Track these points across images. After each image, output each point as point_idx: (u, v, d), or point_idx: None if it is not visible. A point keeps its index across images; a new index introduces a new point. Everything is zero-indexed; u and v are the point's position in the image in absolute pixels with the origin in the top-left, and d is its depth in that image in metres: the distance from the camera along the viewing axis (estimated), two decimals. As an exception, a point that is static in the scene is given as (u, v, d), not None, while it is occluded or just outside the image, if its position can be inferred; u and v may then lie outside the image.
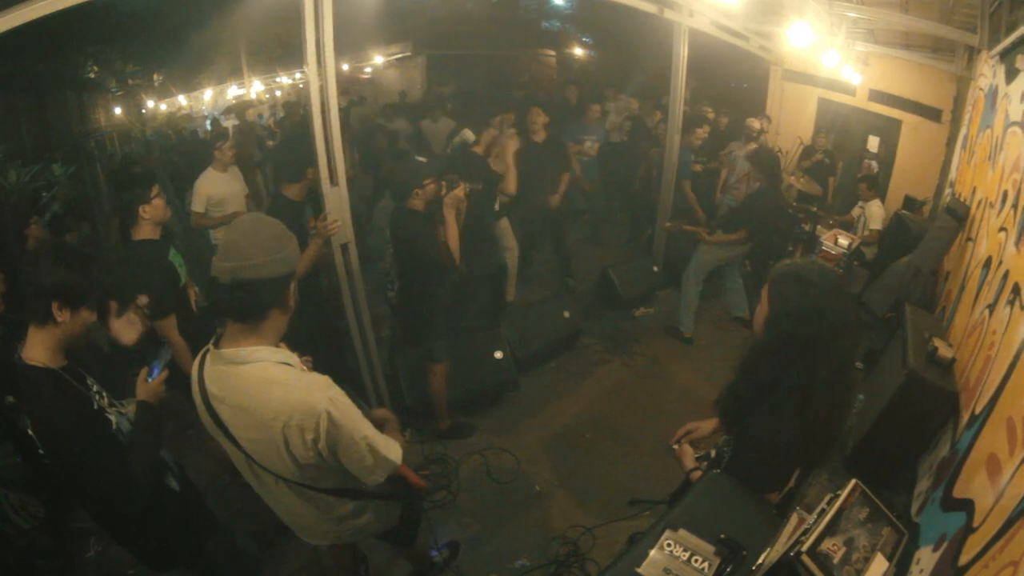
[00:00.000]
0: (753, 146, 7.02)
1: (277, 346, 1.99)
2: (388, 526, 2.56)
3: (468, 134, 5.82)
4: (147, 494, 2.34)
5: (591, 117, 8.06)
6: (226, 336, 1.93)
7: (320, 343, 4.11)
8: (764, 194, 5.51)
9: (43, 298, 2.15)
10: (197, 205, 5.72)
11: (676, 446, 2.53)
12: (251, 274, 1.78)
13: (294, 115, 10.29)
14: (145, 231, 3.50)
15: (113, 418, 2.37)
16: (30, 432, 2.19)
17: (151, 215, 3.47)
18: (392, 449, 2.08)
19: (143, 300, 2.57)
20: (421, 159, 3.87)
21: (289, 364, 1.94)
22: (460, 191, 3.90)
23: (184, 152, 11.11)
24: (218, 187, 5.78)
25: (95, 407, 2.31)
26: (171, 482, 2.66)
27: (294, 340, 2.23)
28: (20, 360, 2.19)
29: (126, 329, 2.48)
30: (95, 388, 2.38)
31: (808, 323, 1.93)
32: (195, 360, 2.04)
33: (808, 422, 1.95)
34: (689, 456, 2.45)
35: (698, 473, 2.32)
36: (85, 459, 2.18)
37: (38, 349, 2.18)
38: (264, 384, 1.87)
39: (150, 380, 2.41)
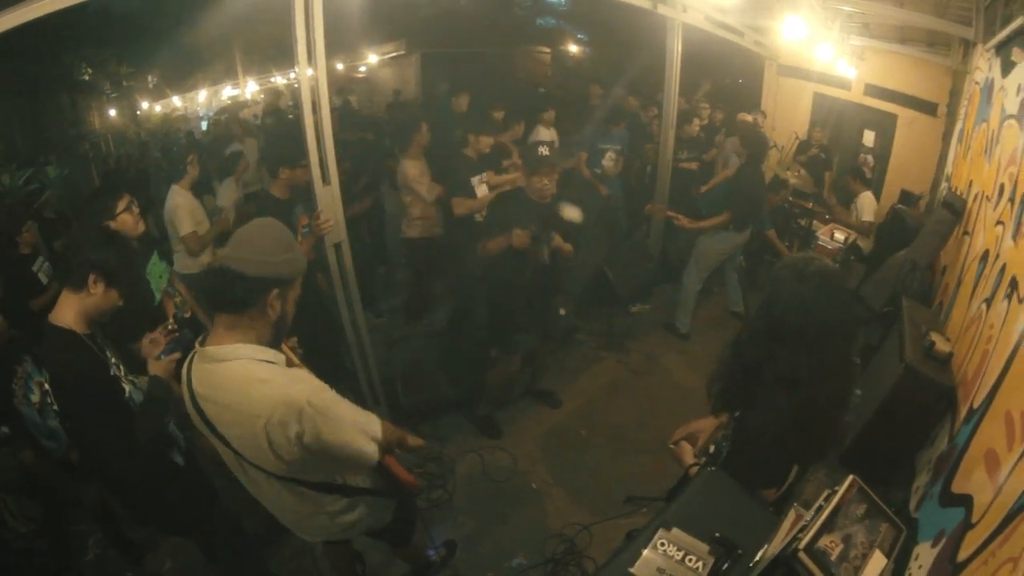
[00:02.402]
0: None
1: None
2: (382, 523, 2.55)
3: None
4: (147, 461, 2.49)
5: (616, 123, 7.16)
6: (212, 334, 1.94)
7: (319, 341, 4.10)
8: (745, 171, 5.47)
9: (85, 267, 2.41)
10: (187, 225, 4.92)
11: (673, 446, 2.52)
12: (233, 265, 1.83)
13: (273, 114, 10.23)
14: None
15: (127, 387, 2.52)
16: (46, 385, 2.45)
17: (118, 229, 3.35)
18: (372, 422, 2.08)
19: (172, 325, 2.77)
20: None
21: (272, 362, 1.94)
22: (524, 237, 3.82)
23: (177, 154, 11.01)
24: (195, 204, 5.08)
25: (111, 373, 2.49)
26: (176, 457, 2.75)
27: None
28: (48, 321, 2.41)
29: (152, 347, 2.66)
30: (113, 359, 2.57)
31: (794, 315, 1.95)
32: (185, 361, 2.05)
33: (805, 418, 1.94)
34: (688, 452, 2.44)
35: (697, 468, 2.31)
36: (94, 420, 2.36)
37: (67, 312, 2.41)
38: (245, 381, 1.87)
39: (163, 358, 2.54)
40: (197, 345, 1.97)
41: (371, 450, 2.03)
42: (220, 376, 1.90)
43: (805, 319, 1.94)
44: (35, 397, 2.89)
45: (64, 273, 2.49)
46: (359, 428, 2.01)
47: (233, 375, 1.88)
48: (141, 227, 3.55)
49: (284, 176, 4.06)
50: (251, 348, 1.91)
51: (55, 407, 2.39)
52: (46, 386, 2.60)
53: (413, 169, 5.38)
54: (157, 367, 2.53)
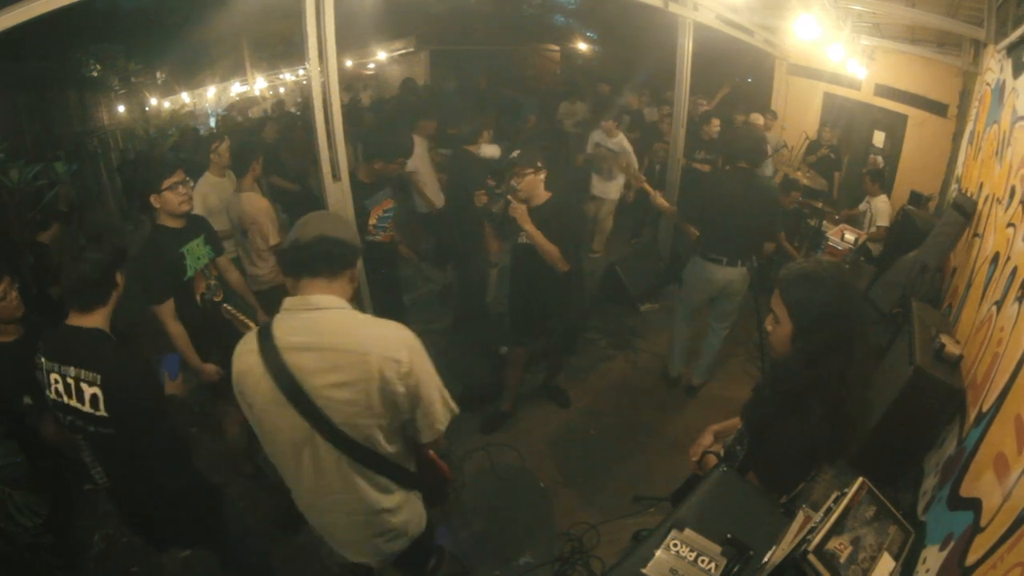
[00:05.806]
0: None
1: None
2: (419, 531, 2.50)
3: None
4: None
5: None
6: (300, 292, 2.01)
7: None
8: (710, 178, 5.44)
9: (109, 274, 2.38)
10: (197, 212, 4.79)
11: (696, 459, 2.51)
12: (333, 233, 1.98)
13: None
14: (162, 218, 3.48)
15: None
16: (95, 390, 2.25)
17: (160, 205, 3.43)
18: (451, 401, 2.15)
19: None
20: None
21: None
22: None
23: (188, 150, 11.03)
24: (215, 194, 5.05)
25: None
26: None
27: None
28: (75, 327, 2.33)
29: None
30: None
31: (840, 321, 1.92)
32: (252, 341, 1.99)
33: (842, 421, 1.94)
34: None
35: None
36: (154, 415, 2.36)
37: (97, 320, 2.36)
38: (354, 323, 1.98)
39: (173, 380, 2.59)
40: (284, 303, 2.01)
41: (442, 423, 2.10)
42: (325, 321, 1.95)
43: (850, 320, 1.93)
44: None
45: (94, 297, 2.39)
46: (441, 390, 2.07)
47: (340, 319, 1.97)
48: (185, 207, 3.52)
49: (377, 167, 4.40)
50: (346, 303, 2.02)
51: (102, 412, 2.26)
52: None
53: (259, 202, 4.54)
54: (172, 387, 2.58)
